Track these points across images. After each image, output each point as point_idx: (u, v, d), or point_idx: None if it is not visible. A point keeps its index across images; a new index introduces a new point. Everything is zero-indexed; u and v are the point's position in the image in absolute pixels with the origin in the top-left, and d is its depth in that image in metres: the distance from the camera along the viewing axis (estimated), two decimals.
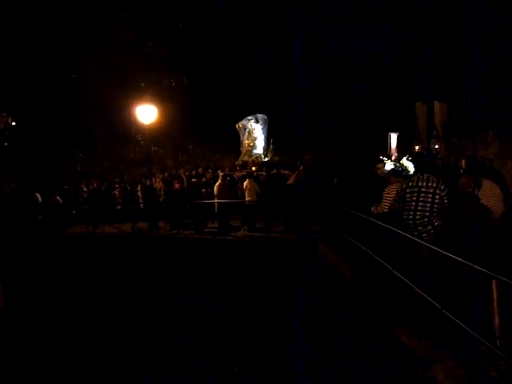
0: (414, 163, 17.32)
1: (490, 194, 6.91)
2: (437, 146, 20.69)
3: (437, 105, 21.60)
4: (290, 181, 13.67)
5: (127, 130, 24.35)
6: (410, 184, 6.59)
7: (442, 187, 6.36)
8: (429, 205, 6.31)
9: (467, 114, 17.90)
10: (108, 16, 24.50)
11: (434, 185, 6.37)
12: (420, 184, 6.45)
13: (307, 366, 8.90)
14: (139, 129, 21.49)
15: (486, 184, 7.04)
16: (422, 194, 6.37)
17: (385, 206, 7.97)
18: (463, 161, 10.49)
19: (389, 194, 7.86)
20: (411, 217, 6.41)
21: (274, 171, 15.55)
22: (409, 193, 6.54)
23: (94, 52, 24.28)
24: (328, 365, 8.48)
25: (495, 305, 4.08)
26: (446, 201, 6.31)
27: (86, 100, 24.11)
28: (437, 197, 6.31)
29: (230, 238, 13.44)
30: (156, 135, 21.60)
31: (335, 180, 13.26)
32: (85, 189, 17.63)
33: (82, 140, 25.85)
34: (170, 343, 10.69)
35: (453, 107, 20.32)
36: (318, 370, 8.61)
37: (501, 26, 15.81)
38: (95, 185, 18.00)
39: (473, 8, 17.50)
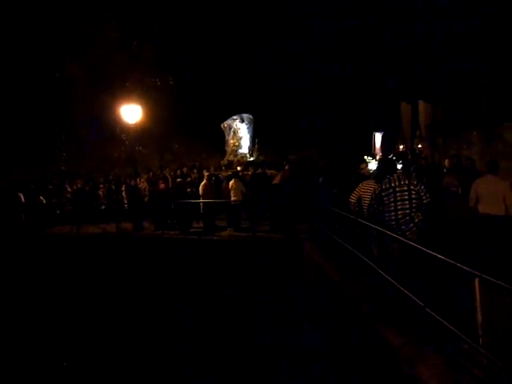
0: (399, 163, 17.43)
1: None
2: (420, 146, 20.84)
3: (421, 105, 21.73)
4: (276, 180, 13.68)
5: (112, 129, 24.19)
6: (384, 187, 6.65)
7: (415, 182, 6.52)
8: (407, 202, 6.41)
9: (451, 113, 18.04)
10: (93, 15, 24.30)
11: (407, 182, 6.50)
12: (393, 185, 6.54)
13: (292, 366, 8.90)
14: (124, 128, 21.37)
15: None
16: (398, 194, 6.46)
17: (353, 197, 8.22)
18: (447, 160, 10.58)
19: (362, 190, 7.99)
20: (393, 217, 6.47)
21: (260, 171, 15.56)
22: (385, 195, 6.60)
23: (79, 51, 24.08)
24: (313, 364, 8.50)
25: (478, 303, 4.11)
26: (422, 193, 6.39)
27: (71, 99, 23.91)
28: (413, 193, 6.43)
29: (215, 238, 13.42)
30: (141, 135, 21.53)
31: (320, 179, 13.30)
32: (69, 189, 17.51)
33: (66, 139, 25.60)
34: (154, 344, 10.61)
35: (437, 107, 20.48)
36: (302, 369, 8.62)
37: (484, 26, 15.98)
38: (79, 185, 17.88)
39: (458, 7, 17.68)
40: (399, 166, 18.51)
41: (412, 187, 6.43)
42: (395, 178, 6.59)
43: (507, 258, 5.99)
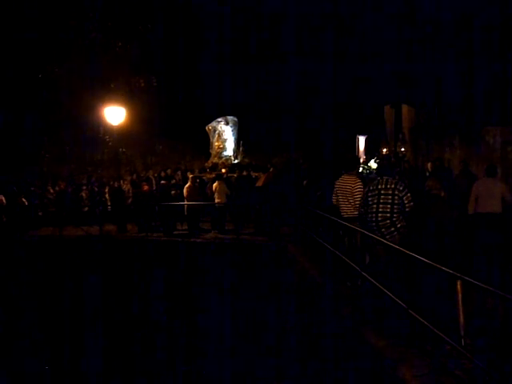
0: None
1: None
2: (403, 149, 21.05)
3: (404, 108, 21.97)
4: (259, 183, 13.70)
5: (95, 131, 23.96)
6: (371, 188, 6.71)
7: (401, 188, 6.46)
8: (389, 206, 6.41)
9: (434, 117, 18.23)
10: (76, 15, 24.10)
11: (393, 186, 6.48)
12: (380, 187, 6.57)
13: (275, 369, 8.91)
14: (107, 130, 21.19)
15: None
16: (382, 196, 6.49)
17: (333, 197, 8.13)
18: (429, 164, 10.69)
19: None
20: (374, 219, 6.51)
21: (245, 173, 15.56)
22: (370, 196, 6.66)
23: (62, 52, 23.86)
24: (296, 367, 8.50)
25: (460, 304, 4.14)
26: (406, 202, 6.42)
27: (54, 100, 23.66)
28: (396, 198, 6.42)
29: (199, 240, 13.38)
30: (125, 136, 21.32)
31: (304, 182, 13.34)
32: (51, 190, 17.31)
33: (49, 141, 25.33)
34: (137, 346, 10.55)
35: (420, 111, 20.69)
36: (286, 373, 8.63)
37: (465, 30, 16.18)
38: (62, 186, 17.67)
39: (437, 9, 17.88)
40: None
41: (397, 192, 6.43)
42: (384, 180, 6.60)
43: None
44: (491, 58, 14.58)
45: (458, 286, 4.11)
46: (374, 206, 6.53)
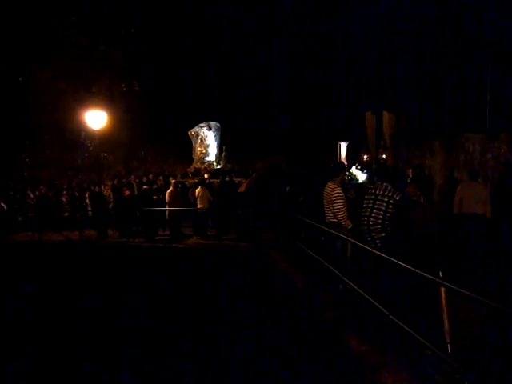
0: (364, 172, 17.71)
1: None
2: (384, 156, 21.22)
3: (385, 115, 22.17)
4: (241, 189, 13.70)
5: (76, 135, 23.75)
6: (370, 191, 6.80)
7: (398, 198, 6.50)
8: (382, 212, 6.47)
9: (414, 124, 18.44)
10: (58, 19, 23.89)
11: (390, 194, 6.52)
12: (377, 192, 6.62)
13: (257, 376, 8.88)
14: (89, 134, 21.04)
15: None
16: (378, 202, 6.54)
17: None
18: (410, 170, 10.80)
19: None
20: (365, 222, 6.58)
21: (227, 179, 15.55)
22: (366, 199, 6.75)
23: (43, 55, 23.63)
24: (278, 371, 8.49)
25: (445, 310, 4.18)
26: (390, 210, 6.46)
27: (35, 104, 23.39)
28: (390, 206, 6.47)
29: (181, 245, 13.31)
30: (106, 141, 21.18)
31: (287, 188, 13.38)
32: (31, 195, 17.10)
33: (30, 145, 25.02)
34: (120, 352, 10.43)
35: (400, 118, 20.91)
36: (267, 377, 8.61)
37: (445, 37, 16.42)
38: (42, 191, 17.46)
39: (422, 17, 18.13)
40: (364, 176, 18.88)
41: (392, 201, 6.48)
42: (383, 186, 6.64)
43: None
44: (467, 65, 14.82)
45: (442, 293, 4.15)
46: (368, 209, 6.61)
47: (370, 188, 6.89)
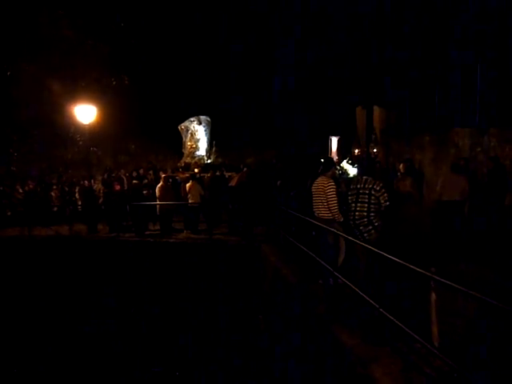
0: (355, 166, 17.74)
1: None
2: (375, 150, 21.25)
3: (376, 110, 22.19)
4: (232, 183, 13.68)
5: (66, 129, 23.59)
6: (352, 186, 6.85)
7: (378, 188, 6.60)
8: (366, 205, 6.56)
9: (405, 118, 18.47)
10: (46, 13, 23.65)
11: (370, 186, 6.62)
12: (359, 186, 6.72)
13: (246, 369, 8.90)
14: (78, 129, 20.91)
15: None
16: (360, 195, 6.64)
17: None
18: (401, 165, 10.81)
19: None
20: (351, 217, 6.65)
21: (218, 173, 15.52)
22: (350, 195, 6.84)
23: (31, 49, 23.40)
24: (268, 365, 8.52)
25: (433, 304, 4.21)
26: (382, 201, 6.53)
27: (23, 98, 23.18)
28: (372, 197, 6.57)
29: (172, 240, 13.28)
30: (96, 135, 21.08)
31: (278, 182, 13.37)
32: (20, 190, 16.98)
33: (18, 139, 24.80)
34: (107, 347, 10.40)
35: (391, 112, 20.94)
36: (257, 372, 8.64)
37: (433, 32, 16.46)
38: (31, 186, 17.34)
39: (408, 13, 18.16)
40: (355, 170, 18.93)
41: (373, 192, 6.56)
42: (363, 179, 6.76)
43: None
44: (461, 59, 14.86)
45: (432, 292, 4.17)
46: (353, 204, 6.70)
47: (352, 183, 6.93)
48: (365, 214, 6.56)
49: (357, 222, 6.61)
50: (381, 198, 6.55)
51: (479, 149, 12.23)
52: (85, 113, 15.62)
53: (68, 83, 23.08)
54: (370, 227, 6.54)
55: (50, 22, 23.69)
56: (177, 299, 11.81)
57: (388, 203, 6.57)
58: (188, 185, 13.98)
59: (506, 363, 3.79)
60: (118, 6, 25.61)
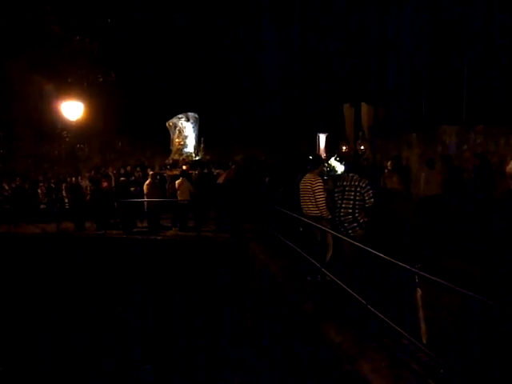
0: (342, 163, 17.80)
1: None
2: (362, 147, 21.35)
3: (364, 107, 22.28)
4: (220, 180, 13.65)
5: (52, 126, 23.37)
6: (338, 184, 6.89)
7: (363, 185, 6.65)
8: (351, 202, 6.60)
9: (392, 116, 18.58)
10: (32, 8, 23.39)
11: (356, 183, 6.66)
12: (345, 183, 6.76)
13: (235, 368, 8.91)
14: (65, 125, 20.75)
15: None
16: (346, 193, 6.68)
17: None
18: (389, 162, 10.88)
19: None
20: (337, 214, 6.67)
21: (206, 170, 15.49)
22: (336, 192, 6.87)
23: (17, 44, 23.14)
24: (257, 363, 8.53)
25: (419, 300, 4.24)
26: (367, 198, 6.57)
27: (9, 95, 22.93)
28: (357, 194, 6.62)
29: (160, 237, 13.24)
30: (83, 132, 20.95)
31: (266, 179, 13.36)
32: (6, 187, 16.79)
33: (4, 136, 24.54)
34: (97, 345, 10.35)
35: (378, 110, 21.05)
36: (246, 370, 8.64)
37: (422, 32, 16.55)
38: (18, 183, 17.16)
39: (397, 13, 18.23)
40: (343, 167, 18.98)
41: (359, 189, 6.60)
42: (349, 177, 6.81)
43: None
44: (447, 56, 14.97)
45: (418, 289, 4.20)
46: (339, 201, 6.74)
47: (339, 181, 6.97)
48: (350, 211, 6.59)
49: (342, 219, 6.65)
50: (365, 195, 6.59)
51: (466, 146, 12.33)
52: (72, 109, 15.53)
53: (55, 79, 22.86)
54: (355, 224, 6.58)
55: (36, 17, 23.44)
56: (165, 297, 11.76)
57: (373, 200, 6.61)
58: (178, 182, 13.94)
59: (491, 357, 3.84)
60: (104, 1, 25.40)
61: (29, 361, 9.75)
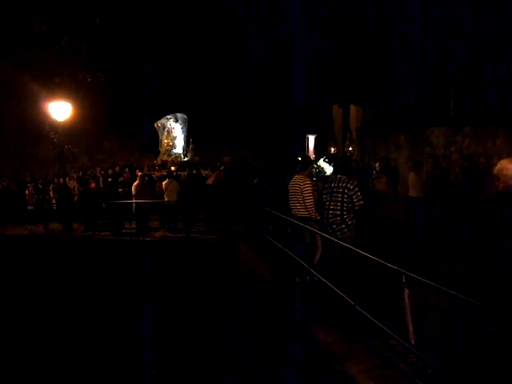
0: (331, 165, 17.85)
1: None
2: (351, 149, 21.44)
3: (352, 108, 22.39)
4: (209, 181, 13.63)
5: (40, 127, 23.17)
6: (326, 185, 6.90)
7: (351, 187, 6.66)
8: (339, 204, 6.61)
9: (381, 117, 18.66)
10: (20, 7, 23.20)
11: (344, 185, 6.68)
12: (333, 185, 6.77)
13: (225, 369, 8.90)
14: (53, 126, 20.57)
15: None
16: (334, 194, 6.70)
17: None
18: (378, 163, 10.93)
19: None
20: (325, 215, 6.69)
21: (194, 171, 15.45)
22: (324, 194, 6.89)
23: (5, 44, 22.95)
24: (246, 364, 8.52)
25: (406, 301, 4.25)
26: (355, 200, 6.58)
27: None
28: (345, 196, 6.63)
29: (148, 238, 13.18)
30: (71, 133, 20.78)
31: (255, 181, 13.35)
32: None
33: None
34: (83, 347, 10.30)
35: (367, 111, 21.13)
36: (235, 370, 8.64)
37: (412, 32, 16.65)
38: (5, 184, 17.00)
39: (392, 16, 18.32)
40: (331, 168, 19.05)
41: (346, 190, 6.61)
42: (337, 178, 6.81)
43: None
44: (435, 58, 15.06)
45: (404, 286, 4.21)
46: (327, 203, 6.75)
47: (327, 183, 6.98)
48: (338, 212, 6.61)
49: (330, 221, 6.66)
50: (354, 196, 6.61)
51: (453, 148, 12.42)
52: (59, 110, 15.41)
53: (42, 79, 22.70)
54: (343, 226, 6.60)
55: (23, 17, 23.25)
56: (153, 298, 11.72)
57: (362, 202, 6.62)
58: (165, 183, 13.90)
59: (479, 357, 3.85)
60: (93, 1, 25.26)
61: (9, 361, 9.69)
